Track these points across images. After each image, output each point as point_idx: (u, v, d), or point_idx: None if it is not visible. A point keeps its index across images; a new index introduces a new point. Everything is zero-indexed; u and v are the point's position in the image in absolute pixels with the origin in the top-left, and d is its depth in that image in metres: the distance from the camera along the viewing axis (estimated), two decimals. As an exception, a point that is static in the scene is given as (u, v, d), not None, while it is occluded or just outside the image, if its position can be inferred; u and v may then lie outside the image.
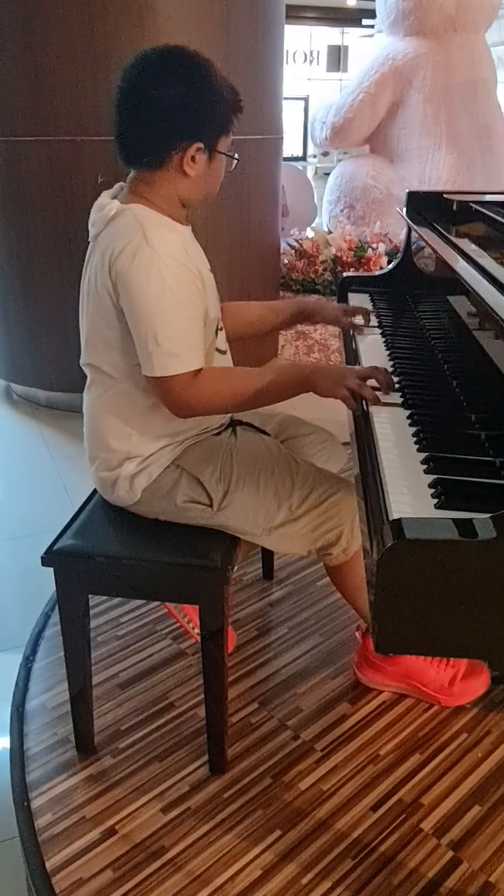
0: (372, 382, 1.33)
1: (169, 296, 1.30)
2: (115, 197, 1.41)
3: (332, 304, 1.75)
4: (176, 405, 1.38)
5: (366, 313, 1.75)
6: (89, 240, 1.42)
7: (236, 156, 1.43)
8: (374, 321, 1.77)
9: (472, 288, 1.22)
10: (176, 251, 1.33)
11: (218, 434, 1.56)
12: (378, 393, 1.30)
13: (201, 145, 1.34)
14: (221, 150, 1.38)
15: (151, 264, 1.28)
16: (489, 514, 0.83)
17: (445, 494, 0.96)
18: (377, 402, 1.28)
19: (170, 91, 1.30)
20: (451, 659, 1.68)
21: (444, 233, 1.69)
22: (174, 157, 1.33)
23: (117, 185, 1.45)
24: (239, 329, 1.65)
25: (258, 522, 1.45)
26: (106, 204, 1.37)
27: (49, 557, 1.42)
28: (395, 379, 1.37)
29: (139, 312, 1.30)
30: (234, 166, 1.44)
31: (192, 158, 1.34)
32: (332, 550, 1.49)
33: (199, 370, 1.35)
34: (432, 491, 0.98)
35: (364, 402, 1.29)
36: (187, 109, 1.31)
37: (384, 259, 3.97)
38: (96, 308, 1.38)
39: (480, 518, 0.83)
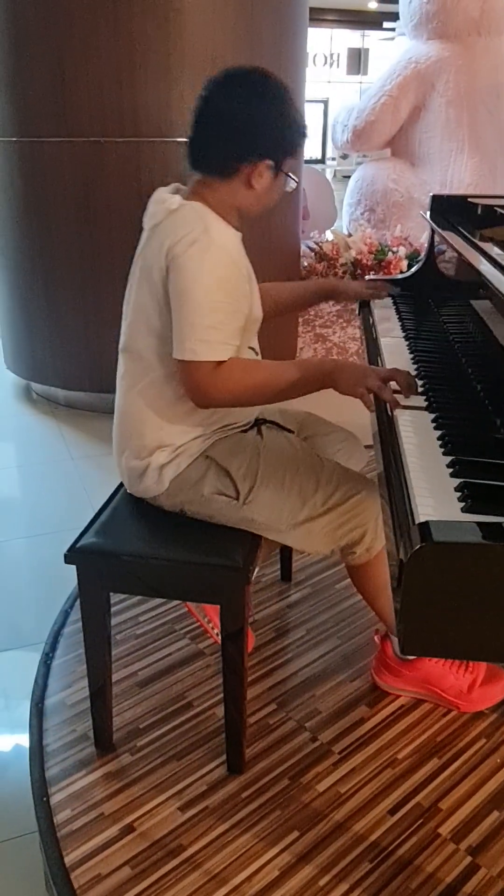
0: (392, 384, 1.34)
1: (216, 286, 1.34)
2: (174, 194, 1.46)
3: (354, 283, 1.87)
4: (197, 392, 1.40)
5: (386, 289, 1.87)
6: (144, 229, 1.46)
7: (295, 178, 1.51)
8: (397, 324, 1.78)
9: (498, 290, 1.22)
10: (232, 248, 1.40)
11: (245, 431, 1.58)
12: (398, 396, 1.30)
13: (271, 163, 1.41)
14: (286, 171, 1.46)
15: (208, 252, 1.34)
16: (517, 518, 0.83)
17: (472, 498, 0.96)
18: (396, 404, 1.28)
19: (250, 108, 1.38)
20: (471, 665, 1.68)
21: (469, 236, 1.69)
22: (243, 170, 1.40)
23: (173, 185, 1.49)
24: (267, 306, 1.67)
25: (282, 518, 1.45)
26: (167, 198, 1.42)
27: (72, 555, 1.43)
28: (420, 382, 1.36)
29: (184, 295, 1.34)
30: (291, 187, 1.51)
31: (261, 174, 1.41)
32: (355, 549, 1.49)
33: (224, 362, 1.38)
34: (458, 494, 0.98)
35: (386, 405, 1.29)
36: (265, 128, 1.39)
37: (404, 263, 3.96)
38: (148, 293, 1.41)
39: (508, 522, 0.83)
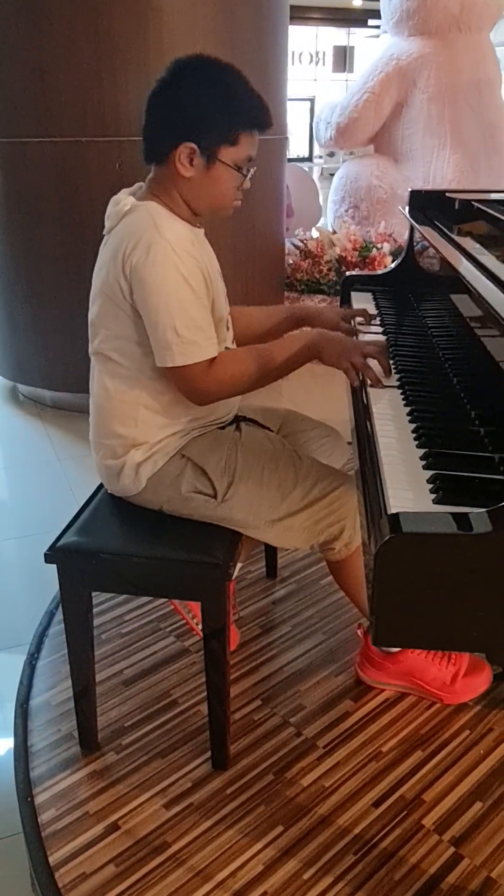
0: (374, 364, 1.38)
1: (184, 287, 1.33)
2: (133, 194, 1.44)
3: (331, 309, 1.76)
4: (196, 393, 1.41)
5: (366, 314, 1.75)
6: (104, 233, 1.45)
7: (246, 172, 1.41)
8: (375, 320, 1.78)
9: (472, 285, 1.23)
10: (186, 243, 1.37)
11: (223, 428, 1.58)
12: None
13: (194, 146, 1.35)
14: (224, 160, 1.37)
15: (167, 257, 1.31)
16: (485, 509, 0.84)
17: (443, 489, 0.97)
18: (379, 383, 1.34)
19: (179, 90, 1.35)
20: (453, 657, 1.68)
21: (447, 231, 1.70)
22: (170, 154, 1.36)
23: (137, 185, 1.48)
24: (238, 334, 1.66)
25: (261, 515, 1.46)
26: (122, 199, 1.41)
27: (52, 554, 1.43)
28: (396, 376, 1.38)
29: (157, 305, 1.33)
30: (245, 184, 1.43)
31: (189, 160, 1.36)
32: (334, 545, 1.49)
33: (215, 358, 1.38)
34: (430, 486, 0.99)
35: (363, 394, 1.32)
36: (187, 109, 1.34)
37: (389, 259, 3.98)
38: (107, 299, 1.40)
39: (477, 512, 0.84)
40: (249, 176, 1.43)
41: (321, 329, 1.51)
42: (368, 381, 1.37)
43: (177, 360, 1.35)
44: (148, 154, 1.41)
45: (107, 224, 1.44)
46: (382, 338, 1.66)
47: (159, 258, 1.31)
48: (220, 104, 1.34)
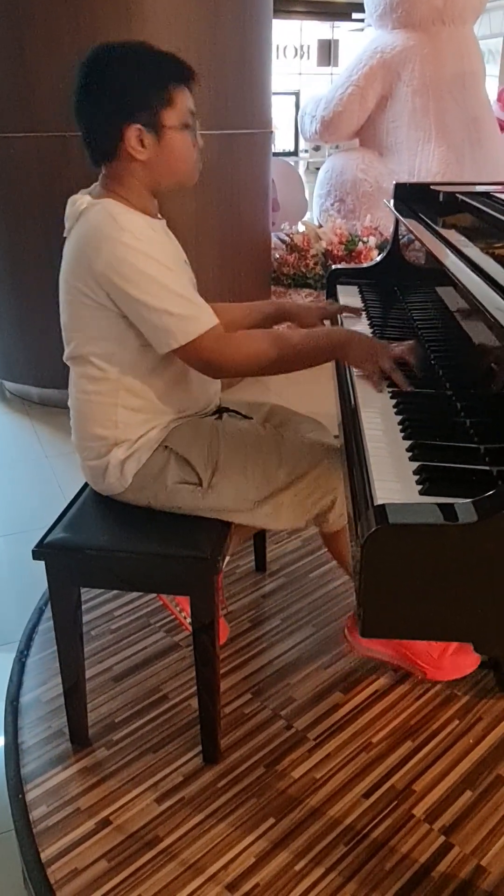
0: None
1: (160, 268, 1.31)
2: (89, 194, 1.43)
3: (312, 308, 1.74)
4: (211, 365, 1.38)
5: (349, 312, 1.75)
6: (64, 235, 1.44)
7: (191, 123, 1.37)
8: (361, 314, 1.78)
9: (456, 277, 1.23)
10: (146, 230, 1.35)
11: (203, 417, 1.57)
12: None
13: (140, 126, 1.32)
14: (170, 125, 1.34)
15: (133, 246, 1.30)
16: (471, 499, 0.84)
17: (429, 480, 0.97)
18: (406, 386, 1.30)
19: (96, 81, 1.32)
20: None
21: (431, 224, 1.70)
22: (120, 147, 1.34)
23: (94, 185, 1.46)
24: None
25: (248, 497, 1.45)
26: (78, 199, 1.40)
27: (40, 551, 1.43)
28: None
29: (141, 295, 1.31)
30: (198, 142, 1.40)
31: (140, 141, 1.33)
32: (328, 516, 1.49)
33: (219, 326, 1.36)
34: (416, 478, 0.99)
35: (352, 392, 1.31)
36: (115, 94, 1.31)
37: (375, 252, 3.99)
38: (75, 302, 1.39)
39: (462, 503, 0.84)
40: (198, 131, 1.40)
41: (350, 331, 1.46)
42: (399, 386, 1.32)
43: (180, 339, 1.33)
44: (95, 156, 1.39)
45: (66, 225, 1.42)
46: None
47: (126, 250, 1.29)
48: (141, 74, 1.32)
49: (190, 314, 1.33)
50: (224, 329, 1.57)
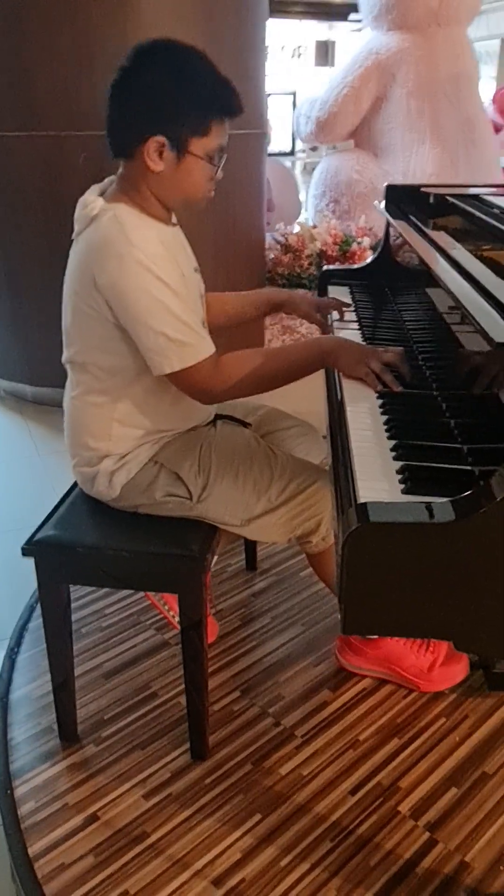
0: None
1: (165, 290, 1.28)
2: (103, 192, 1.39)
3: (305, 297, 1.75)
4: (203, 393, 1.38)
5: (339, 306, 1.75)
6: (72, 236, 1.40)
7: (217, 162, 1.36)
8: (352, 315, 1.79)
9: (442, 279, 1.24)
10: (156, 246, 1.31)
11: (195, 429, 1.57)
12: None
13: (163, 140, 1.28)
14: (195, 152, 1.31)
15: (141, 264, 1.26)
16: (450, 498, 0.85)
17: (412, 480, 0.98)
18: (397, 387, 1.30)
19: (144, 79, 1.27)
20: (432, 645, 1.71)
21: (421, 226, 1.71)
22: (138, 149, 1.30)
23: (107, 179, 1.42)
24: (214, 321, 1.64)
25: (237, 514, 1.46)
26: (90, 202, 1.35)
27: (29, 548, 1.44)
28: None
29: (141, 315, 1.28)
30: (217, 175, 1.38)
31: (159, 153, 1.30)
32: (311, 538, 1.51)
33: (215, 355, 1.35)
34: (399, 477, 1.00)
35: (339, 391, 1.32)
36: (154, 99, 1.27)
37: (369, 253, 3.99)
38: (78, 310, 1.36)
39: (440, 502, 0.85)
40: (221, 166, 1.38)
41: (337, 338, 1.45)
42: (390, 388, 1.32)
43: (175, 365, 1.31)
44: (114, 149, 1.35)
45: (75, 227, 1.38)
46: (359, 338, 1.67)
47: (133, 268, 1.26)
48: (188, 93, 1.27)
49: (188, 341, 1.30)
50: (220, 320, 1.56)
